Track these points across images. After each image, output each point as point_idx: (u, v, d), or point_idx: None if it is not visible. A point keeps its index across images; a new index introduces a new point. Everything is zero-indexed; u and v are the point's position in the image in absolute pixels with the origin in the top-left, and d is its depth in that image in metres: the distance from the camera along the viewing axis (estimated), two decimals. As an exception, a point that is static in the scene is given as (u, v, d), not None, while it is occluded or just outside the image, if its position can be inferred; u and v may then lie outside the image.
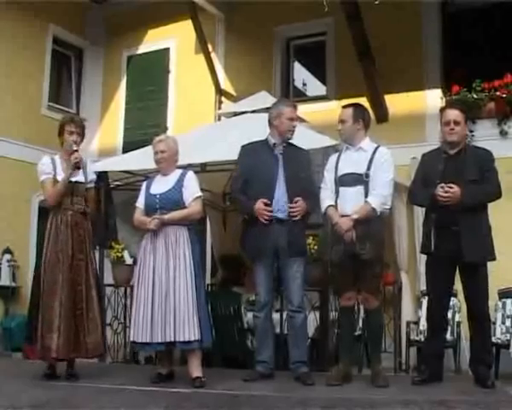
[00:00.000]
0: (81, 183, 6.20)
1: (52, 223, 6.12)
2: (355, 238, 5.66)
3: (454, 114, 5.82)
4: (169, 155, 6.09)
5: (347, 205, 5.76)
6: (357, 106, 6.09)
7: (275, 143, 6.17)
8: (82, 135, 6.29)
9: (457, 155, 5.77)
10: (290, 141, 6.21)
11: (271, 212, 5.91)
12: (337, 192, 5.87)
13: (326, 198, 5.93)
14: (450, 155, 5.78)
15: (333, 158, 6.08)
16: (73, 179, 6.14)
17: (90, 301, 6.08)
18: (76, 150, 6.11)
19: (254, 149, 6.25)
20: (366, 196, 5.72)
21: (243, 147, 6.33)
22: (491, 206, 5.79)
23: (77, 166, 6.08)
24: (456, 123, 5.75)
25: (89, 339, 6.03)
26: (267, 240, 5.97)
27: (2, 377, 6.49)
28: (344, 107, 6.10)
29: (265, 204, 5.91)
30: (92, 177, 6.41)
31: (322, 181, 6.07)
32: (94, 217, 6.49)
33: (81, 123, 6.36)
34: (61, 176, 6.11)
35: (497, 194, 5.72)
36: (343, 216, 5.73)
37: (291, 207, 5.92)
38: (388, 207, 5.91)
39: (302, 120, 9.38)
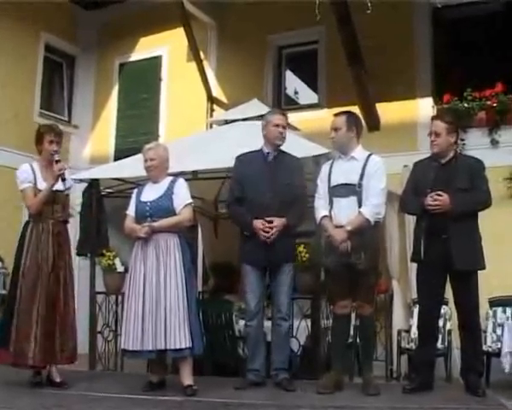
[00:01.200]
0: (61, 191, 6.21)
1: (33, 231, 6.11)
2: (350, 249, 5.67)
3: (435, 125, 5.84)
4: (159, 163, 6.09)
5: (341, 215, 5.76)
6: (350, 114, 6.09)
7: (268, 153, 6.21)
8: (60, 142, 6.30)
9: (448, 163, 5.79)
10: (282, 149, 6.25)
11: (272, 229, 5.93)
12: (331, 202, 5.87)
13: (320, 208, 5.93)
14: (441, 163, 5.80)
15: (325, 167, 6.08)
16: (54, 188, 6.13)
17: (67, 310, 6.09)
18: (59, 160, 6.11)
19: (248, 160, 6.31)
20: (359, 205, 5.73)
21: (238, 158, 6.36)
22: (482, 214, 5.80)
23: (61, 177, 6.09)
24: (437, 134, 5.76)
25: (65, 347, 6.04)
26: (259, 247, 6.00)
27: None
28: (336, 115, 6.09)
29: (266, 222, 5.95)
30: (71, 183, 6.43)
31: (315, 190, 6.09)
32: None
33: (60, 132, 6.36)
34: (41, 184, 6.11)
35: (487, 202, 5.73)
36: (337, 227, 5.73)
37: (265, 230, 5.95)
38: (382, 216, 5.92)
39: (294, 129, 9.41)
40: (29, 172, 6.14)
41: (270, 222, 5.93)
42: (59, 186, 6.17)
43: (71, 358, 6.17)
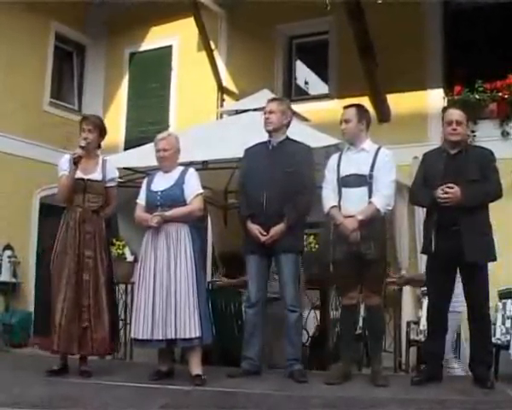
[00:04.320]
0: (95, 181, 6.20)
1: (64, 220, 6.17)
2: (359, 239, 5.67)
3: (457, 113, 5.80)
4: (171, 153, 6.09)
5: (351, 206, 5.75)
6: (359, 106, 6.09)
7: (269, 141, 6.22)
8: (95, 132, 6.29)
9: (458, 154, 5.75)
10: (290, 137, 6.23)
11: (265, 234, 5.98)
12: (340, 193, 5.86)
13: (328, 198, 5.91)
14: (450, 154, 5.77)
15: (334, 158, 6.07)
16: (86, 177, 6.16)
17: (97, 300, 6.05)
18: (82, 147, 6.11)
19: (253, 152, 6.32)
20: (370, 196, 5.73)
21: (245, 150, 6.38)
22: (492, 206, 5.77)
23: (74, 161, 6.07)
24: (459, 123, 5.73)
25: (95, 336, 6.01)
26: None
27: (1, 373, 6.47)
28: (346, 107, 6.08)
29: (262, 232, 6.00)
30: (112, 175, 6.39)
31: (323, 181, 6.07)
32: (111, 215, 6.52)
33: (93, 120, 6.36)
34: (78, 173, 6.14)
35: (497, 193, 5.69)
36: (347, 217, 5.73)
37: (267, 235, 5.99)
38: (391, 207, 5.94)
39: (304, 119, 9.40)
40: (65, 162, 6.16)
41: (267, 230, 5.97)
42: (94, 175, 6.20)
43: (98, 349, 6.10)
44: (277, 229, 5.95)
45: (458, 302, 6.84)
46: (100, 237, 6.20)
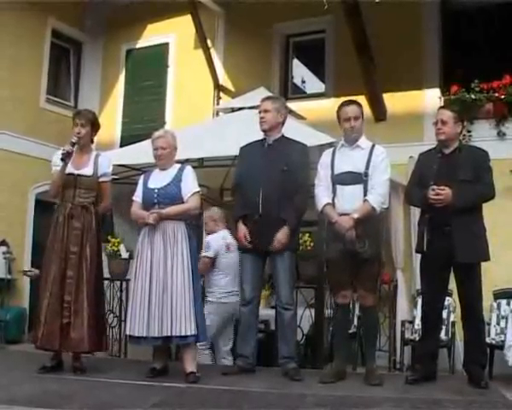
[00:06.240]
0: (86, 176, 6.15)
1: (55, 215, 6.14)
2: (354, 237, 5.65)
3: (442, 113, 5.79)
4: (168, 152, 6.07)
5: (346, 203, 5.73)
6: (358, 103, 6.02)
7: (265, 140, 6.20)
8: (88, 126, 6.21)
9: (452, 154, 5.75)
10: (286, 136, 6.21)
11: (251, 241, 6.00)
12: (334, 190, 5.84)
13: (322, 196, 5.88)
14: (444, 154, 5.77)
15: (327, 154, 6.03)
16: (76, 172, 6.11)
17: (78, 297, 5.97)
18: (72, 142, 6.07)
19: (249, 149, 6.30)
20: (365, 194, 5.71)
21: (240, 148, 6.34)
22: (489, 206, 5.75)
23: (61, 157, 6.02)
24: (443, 122, 5.72)
25: (73, 334, 5.91)
26: (257, 234, 6.00)
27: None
28: (347, 104, 5.91)
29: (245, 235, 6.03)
30: (105, 170, 6.28)
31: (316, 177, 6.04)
32: (105, 211, 6.48)
33: (85, 114, 6.30)
34: (68, 169, 6.10)
35: (490, 194, 5.67)
36: (342, 215, 5.72)
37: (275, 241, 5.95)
38: (386, 206, 5.91)
39: (300, 117, 9.41)
40: (57, 158, 6.09)
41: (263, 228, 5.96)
42: (84, 170, 6.14)
43: (76, 347, 5.98)
44: (283, 233, 5.92)
45: (221, 293, 6.97)
46: (88, 234, 6.12)
